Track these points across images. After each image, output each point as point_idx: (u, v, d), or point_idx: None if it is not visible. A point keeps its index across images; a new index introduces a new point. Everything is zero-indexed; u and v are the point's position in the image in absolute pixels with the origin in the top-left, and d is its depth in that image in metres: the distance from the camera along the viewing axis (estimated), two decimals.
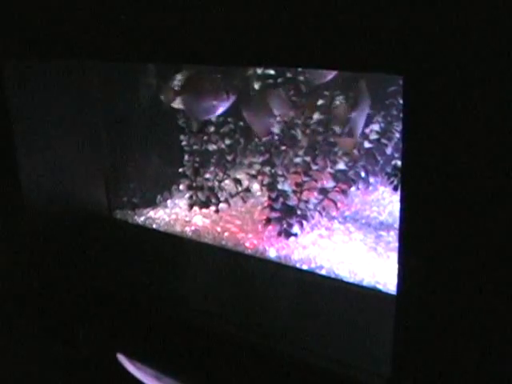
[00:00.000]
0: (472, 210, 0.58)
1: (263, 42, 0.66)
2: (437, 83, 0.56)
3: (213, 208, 1.27)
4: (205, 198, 1.27)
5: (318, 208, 1.16)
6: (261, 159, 1.19)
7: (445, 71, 0.55)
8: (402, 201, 0.63)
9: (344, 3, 0.60)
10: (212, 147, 1.26)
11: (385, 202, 1.27)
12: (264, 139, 1.16)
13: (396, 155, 1.13)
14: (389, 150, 1.13)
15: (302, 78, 1.14)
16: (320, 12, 0.62)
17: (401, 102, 0.60)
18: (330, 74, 1.09)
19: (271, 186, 1.16)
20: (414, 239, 0.63)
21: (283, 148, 1.17)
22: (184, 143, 1.28)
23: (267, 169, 1.17)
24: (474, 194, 0.57)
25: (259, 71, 1.19)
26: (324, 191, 1.15)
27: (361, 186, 1.19)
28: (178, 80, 1.19)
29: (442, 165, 0.59)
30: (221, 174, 1.27)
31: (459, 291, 0.61)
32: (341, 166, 1.13)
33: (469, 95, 0.55)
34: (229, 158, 1.25)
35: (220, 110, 1.18)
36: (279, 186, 1.15)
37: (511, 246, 0.57)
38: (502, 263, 0.58)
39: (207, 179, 1.28)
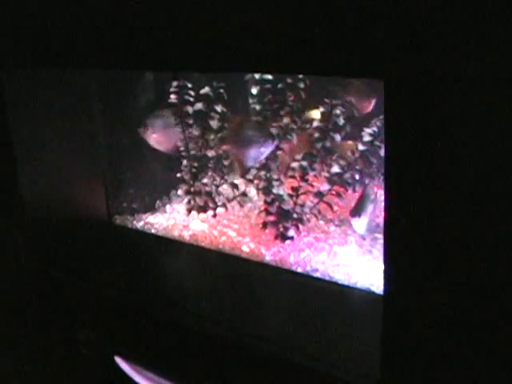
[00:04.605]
0: (457, 210, 0.59)
1: (245, 49, 0.68)
2: (416, 87, 0.57)
3: (211, 212, 1.28)
4: (203, 202, 1.29)
5: (314, 211, 1.17)
6: (257, 164, 1.20)
7: (424, 75, 0.56)
8: (386, 201, 0.63)
9: (325, 10, 0.61)
10: (209, 152, 1.27)
11: (380, 204, 1.27)
12: None
13: None
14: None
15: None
16: (303, 19, 0.63)
17: None
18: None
19: (267, 191, 1.18)
20: (400, 239, 0.64)
21: (279, 153, 1.19)
22: (182, 148, 1.29)
23: (263, 173, 1.19)
24: (459, 193, 0.58)
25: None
26: (320, 194, 1.16)
27: (357, 188, 1.20)
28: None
29: (425, 166, 0.59)
30: (218, 179, 1.28)
31: (446, 291, 0.62)
32: (336, 169, 1.14)
33: (448, 98, 0.56)
34: (226, 162, 1.26)
35: (265, 155, 1.14)
36: (275, 190, 1.16)
37: (497, 246, 0.57)
38: (488, 263, 0.58)
39: (205, 184, 1.29)
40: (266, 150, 1.12)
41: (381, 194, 1.24)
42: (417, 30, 0.56)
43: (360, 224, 1.08)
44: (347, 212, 1.14)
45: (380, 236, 1.14)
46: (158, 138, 1.24)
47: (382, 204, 0.63)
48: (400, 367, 0.68)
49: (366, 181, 1.14)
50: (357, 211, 1.08)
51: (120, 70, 1.25)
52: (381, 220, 1.21)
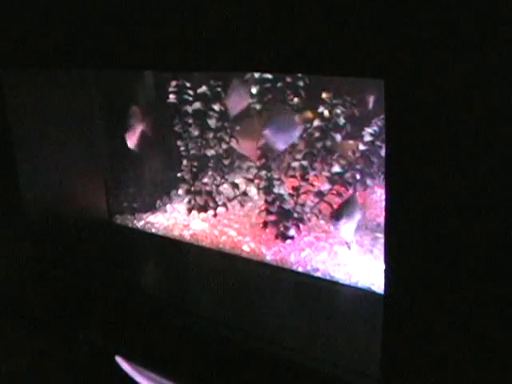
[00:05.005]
0: (458, 209, 0.59)
1: (245, 49, 0.68)
2: (417, 87, 0.57)
3: (211, 212, 1.28)
4: (203, 202, 1.29)
5: (315, 210, 1.17)
6: (258, 163, 1.20)
7: (424, 75, 0.56)
8: (386, 201, 0.63)
9: (326, 10, 0.61)
10: (210, 152, 1.27)
11: (382, 203, 1.27)
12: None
13: None
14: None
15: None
16: (304, 19, 0.63)
17: None
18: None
19: (268, 190, 1.18)
20: (400, 239, 0.64)
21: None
22: (182, 148, 1.29)
23: (264, 173, 1.19)
24: (459, 193, 0.58)
25: None
26: (320, 194, 1.15)
27: (358, 187, 1.19)
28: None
29: (426, 166, 0.59)
30: (219, 179, 1.28)
31: (446, 291, 0.62)
32: (337, 168, 1.14)
33: (448, 98, 0.56)
34: (226, 162, 1.26)
35: (296, 137, 1.16)
36: (276, 190, 1.16)
37: (498, 245, 0.57)
38: (489, 262, 0.58)
39: (205, 183, 1.29)
40: (297, 133, 1.13)
41: (371, 198, 1.25)
42: (417, 30, 0.56)
43: (345, 230, 1.02)
44: None
45: (380, 236, 1.14)
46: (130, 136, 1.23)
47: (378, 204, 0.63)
48: (400, 367, 0.68)
49: (354, 187, 1.14)
50: (338, 214, 1.01)
51: (120, 71, 1.25)
52: (380, 219, 1.21)
